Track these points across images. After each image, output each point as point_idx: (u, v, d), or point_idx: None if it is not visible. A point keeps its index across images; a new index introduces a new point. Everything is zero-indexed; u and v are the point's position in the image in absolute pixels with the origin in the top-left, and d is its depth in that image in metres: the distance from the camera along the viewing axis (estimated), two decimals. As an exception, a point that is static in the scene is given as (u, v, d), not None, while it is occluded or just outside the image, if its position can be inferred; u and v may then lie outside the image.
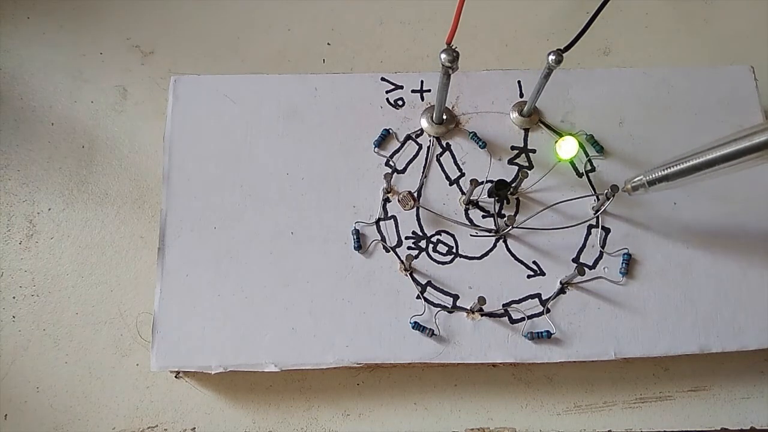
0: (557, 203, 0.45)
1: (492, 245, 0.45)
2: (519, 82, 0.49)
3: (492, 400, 0.47)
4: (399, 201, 0.43)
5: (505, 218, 0.43)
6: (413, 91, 0.49)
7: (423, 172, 0.47)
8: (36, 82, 0.54)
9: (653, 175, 0.41)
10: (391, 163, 0.47)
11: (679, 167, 0.39)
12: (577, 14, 0.57)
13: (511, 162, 0.47)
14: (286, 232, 0.45)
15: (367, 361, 0.43)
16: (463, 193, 0.47)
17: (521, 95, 0.49)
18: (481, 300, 0.42)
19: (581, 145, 0.47)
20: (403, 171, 0.47)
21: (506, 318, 0.44)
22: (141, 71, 0.54)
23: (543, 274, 0.45)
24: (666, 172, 0.40)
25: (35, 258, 0.49)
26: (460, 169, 0.47)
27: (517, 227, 0.44)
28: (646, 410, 0.46)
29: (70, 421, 0.46)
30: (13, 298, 0.48)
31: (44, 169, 0.51)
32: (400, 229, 0.46)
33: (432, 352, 0.43)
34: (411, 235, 0.46)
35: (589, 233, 0.46)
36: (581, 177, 0.47)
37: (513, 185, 0.45)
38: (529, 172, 0.44)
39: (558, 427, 0.46)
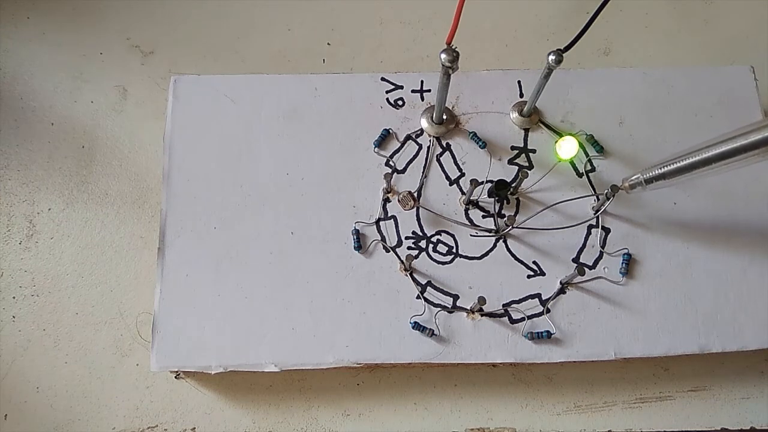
0: (557, 203, 0.45)
1: (492, 245, 0.45)
2: (519, 82, 0.49)
3: (492, 400, 0.47)
4: (399, 201, 0.43)
5: (505, 218, 0.43)
6: (413, 91, 0.49)
7: (423, 172, 0.47)
8: (36, 82, 0.54)
9: (651, 174, 0.41)
10: (391, 163, 0.47)
11: (676, 165, 0.39)
12: (577, 14, 0.57)
13: (511, 162, 0.47)
14: (286, 232, 0.45)
15: (367, 361, 0.43)
16: (463, 193, 0.47)
17: (521, 95, 0.49)
18: (481, 300, 0.42)
19: (581, 145, 0.47)
20: (403, 171, 0.47)
21: (506, 318, 0.44)
22: (141, 71, 0.54)
23: (543, 274, 0.45)
24: (663, 170, 0.40)
25: (35, 258, 0.49)
26: (460, 169, 0.47)
27: (517, 227, 0.44)
28: (646, 410, 0.46)
29: (70, 421, 0.46)
30: (13, 298, 0.48)
31: (44, 169, 0.51)
32: (400, 229, 0.46)
33: (432, 352, 0.43)
34: (411, 235, 0.46)
35: (589, 233, 0.46)
36: (581, 177, 0.47)
37: (513, 185, 0.45)
38: (529, 172, 0.44)
39: (558, 427, 0.46)
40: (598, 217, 0.46)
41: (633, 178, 0.42)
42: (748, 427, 0.46)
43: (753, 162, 0.36)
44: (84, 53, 0.55)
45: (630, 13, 0.58)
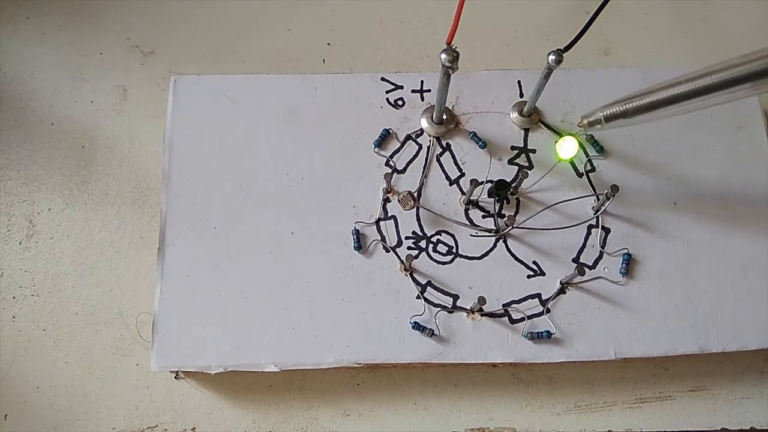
0: (557, 203, 0.45)
1: (492, 245, 0.45)
2: (519, 82, 0.49)
3: (492, 400, 0.47)
4: (399, 201, 0.43)
5: (505, 218, 0.43)
6: (413, 91, 0.49)
7: (423, 172, 0.47)
8: (36, 82, 0.54)
9: (611, 111, 0.40)
10: (391, 163, 0.47)
11: (637, 103, 0.38)
12: (577, 14, 0.57)
13: (511, 162, 0.47)
14: (286, 232, 0.45)
15: (367, 361, 0.43)
16: (463, 193, 0.47)
17: (521, 95, 0.49)
18: (481, 300, 0.42)
19: (581, 145, 0.47)
20: (403, 171, 0.47)
21: (506, 318, 0.44)
22: (141, 71, 0.54)
23: (543, 274, 0.45)
24: (624, 108, 0.39)
25: (35, 258, 0.49)
26: (460, 169, 0.47)
27: (517, 227, 0.44)
28: (646, 410, 0.46)
29: (70, 421, 0.46)
30: (13, 298, 0.48)
31: (44, 169, 0.51)
32: (400, 229, 0.46)
33: (432, 352, 0.43)
34: (411, 235, 0.46)
35: (589, 233, 0.46)
36: (581, 177, 0.47)
37: (513, 185, 0.45)
38: (529, 172, 0.44)
39: (558, 427, 0.46)
40: (598, 217, 0.46)
41: (593, 115, 0.41)
42: (748, 427, 0.46)
43: (716, 103, 0.35)
44: (84, 53, 0.55)
45: (630, 13, 0.58)
